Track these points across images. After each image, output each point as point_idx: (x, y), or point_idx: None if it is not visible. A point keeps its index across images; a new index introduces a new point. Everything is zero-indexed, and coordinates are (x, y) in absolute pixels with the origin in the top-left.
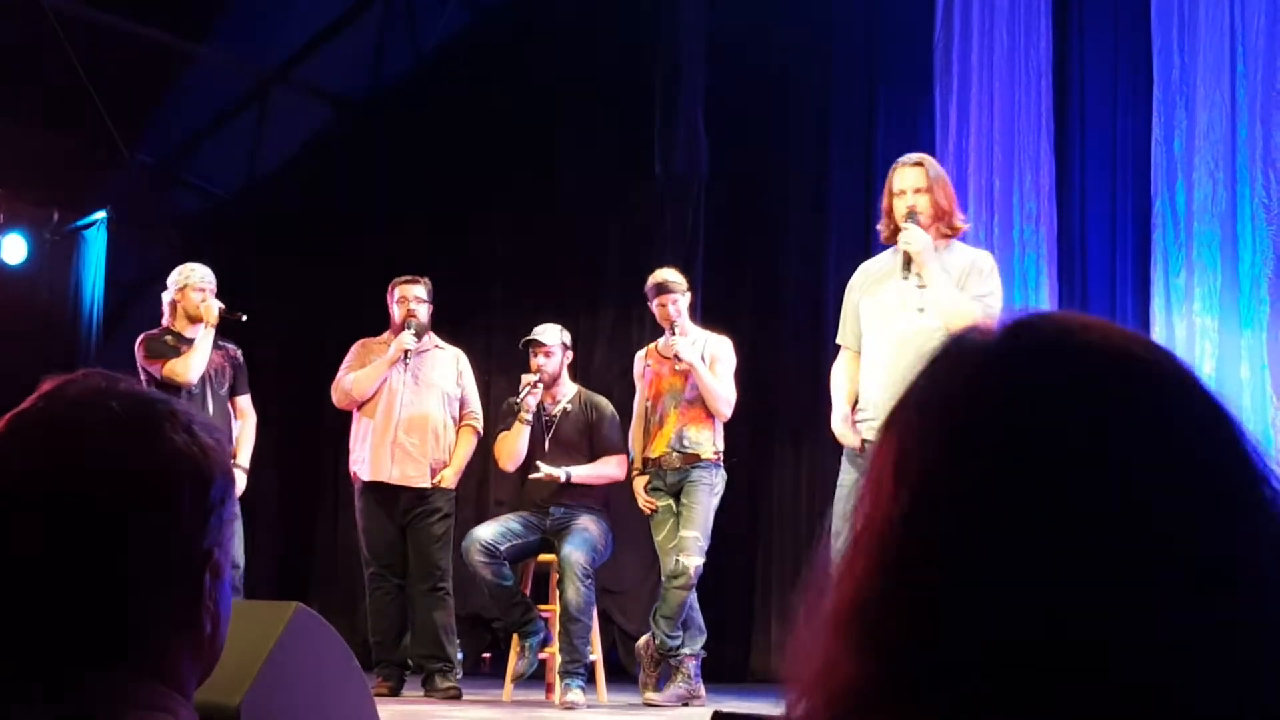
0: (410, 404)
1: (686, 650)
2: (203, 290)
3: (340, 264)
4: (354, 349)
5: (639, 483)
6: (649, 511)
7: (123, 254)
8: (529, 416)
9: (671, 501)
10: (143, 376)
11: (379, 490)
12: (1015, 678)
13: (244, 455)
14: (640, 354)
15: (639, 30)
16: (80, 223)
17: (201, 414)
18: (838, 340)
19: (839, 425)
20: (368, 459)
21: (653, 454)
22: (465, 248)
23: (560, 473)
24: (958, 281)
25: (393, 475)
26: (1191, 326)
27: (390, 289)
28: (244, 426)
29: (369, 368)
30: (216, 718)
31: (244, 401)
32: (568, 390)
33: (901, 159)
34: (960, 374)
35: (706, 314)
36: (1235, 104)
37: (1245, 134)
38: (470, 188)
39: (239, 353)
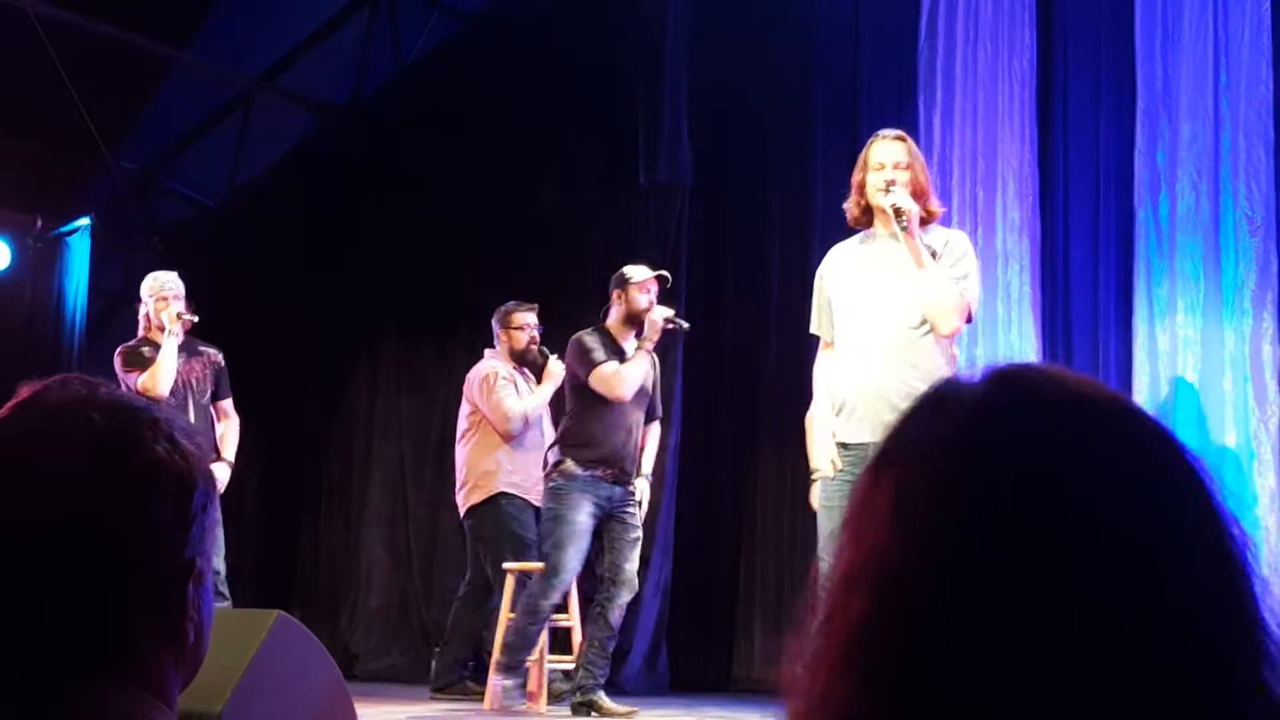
0: (544, 424)
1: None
2: (165, 298)
3: (323, 272)
4: (495, 378)
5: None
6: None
7: (106, 261)
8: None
9: None
10: (122, 387)
11: (534, 511)
12: None
13: (229, 450)
14: None
15: (623, 40)
16: (63, 229)
17: (182, 419)
18: (813, 330)
19: (819, 453)
20: (538, 483)
21: None
22: (447, 256)
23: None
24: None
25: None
26: (1174, 338)
27: (504, 315)
28: (228, 425)
29: (536, 396)
30: None
31: (227, 404)
32: None
33: (881, 132)
34: (960, 421)
35: (690, 323)
36: (1218, 115)
37: (1228, 145)
38: (453, 197)
39: (220, 356)
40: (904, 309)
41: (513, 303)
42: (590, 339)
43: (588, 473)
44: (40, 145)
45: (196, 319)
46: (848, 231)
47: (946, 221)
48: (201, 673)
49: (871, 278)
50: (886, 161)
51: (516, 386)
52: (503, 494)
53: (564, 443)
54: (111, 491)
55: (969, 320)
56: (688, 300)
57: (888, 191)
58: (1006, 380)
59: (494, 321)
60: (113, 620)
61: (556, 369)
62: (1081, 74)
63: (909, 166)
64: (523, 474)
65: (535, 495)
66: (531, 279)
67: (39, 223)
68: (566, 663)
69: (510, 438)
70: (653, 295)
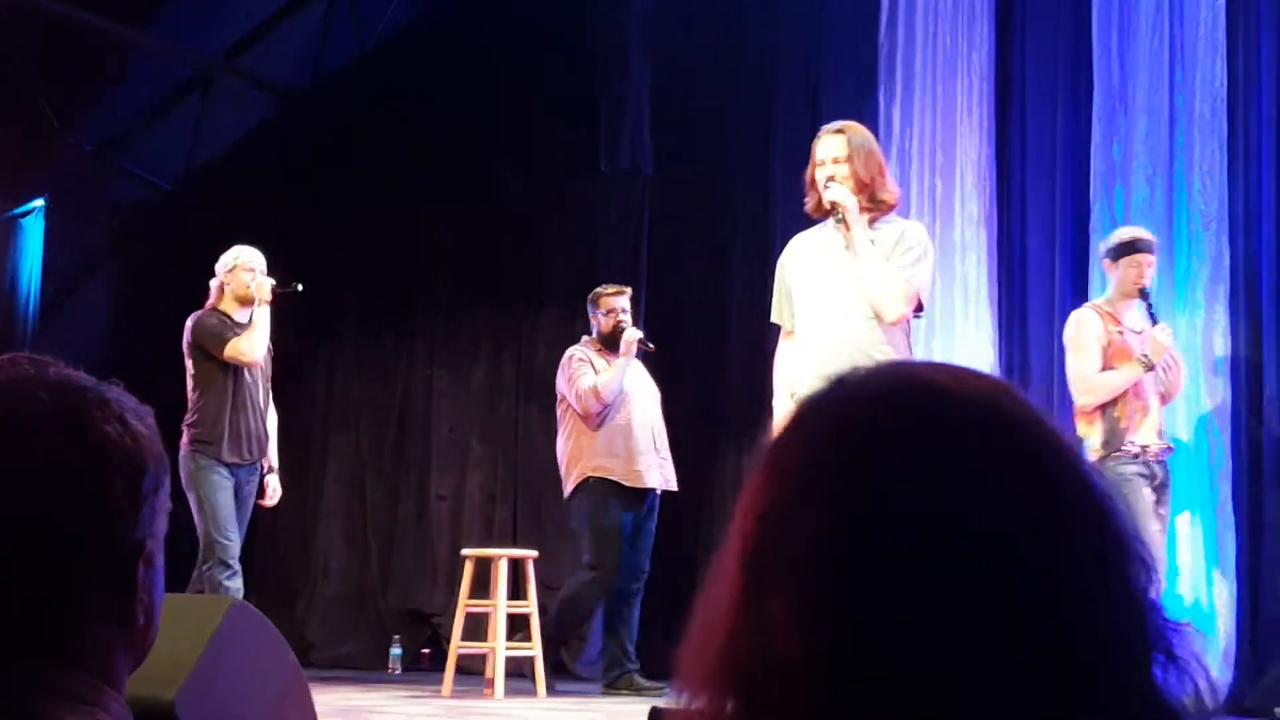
0: (646, 408)
1: None
2: (252, 270)
3: (279, 256)
4: (571, 361)
5: None
6: None
7: (60, 243)
8: None
9: None
10: (188, 356)
11: (633, 494)
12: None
13: (275, 455)
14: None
15: (585, 26)
16: (17, 210)
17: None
18: (774, 319)
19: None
20: (639, 464)
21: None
22: (408, 242)
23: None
24: (888, 255)
25: (665, 480)
26: None
27: (595, 298)
28: (272, 420)
29: (612, 370)
30: (152, 712)
31: (269, 396)
32: None
33: (825, 126)
34: (821, 421)
35: (651, 313)
36: (1173, 111)
37: (1182, 140)
38: (413, 182)
39: (271, 347)
40: (860, 299)
41: (604, 285)
42: None
43: None
44: None
45: (301, 288)
46: (808, 221)
47: (905, 212)
48: (155, 658)
49: (828, 268)
50: (825, 157)
51: (593, 365)
52: (586, 481)
53: None
54: (60, 473)
55: (919, 308)
56: (649, 291)
57: (826, 187)
58: (897, 367)
59: (588, 304)
60: (60, 602)
61: (631, 335)
62: (1039, 69)
63: (848, 159)
64: (607, 454)
65: (622, 475)
66: (491, 265)
67: None
68: (527, 649)
69: (590, 416)
70: None
